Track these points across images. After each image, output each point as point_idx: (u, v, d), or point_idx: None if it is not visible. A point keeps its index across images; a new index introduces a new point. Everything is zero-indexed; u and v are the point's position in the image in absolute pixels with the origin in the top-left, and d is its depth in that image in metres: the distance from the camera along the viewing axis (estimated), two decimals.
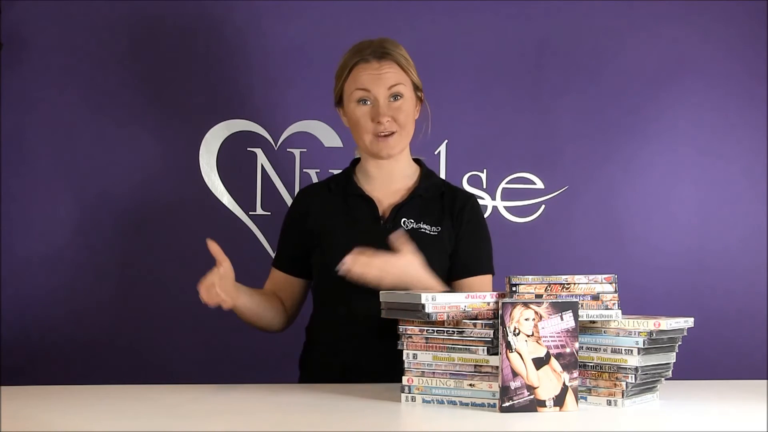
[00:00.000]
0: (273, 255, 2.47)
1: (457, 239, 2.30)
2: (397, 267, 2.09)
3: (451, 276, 2.31)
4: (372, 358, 2.20)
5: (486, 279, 2.32)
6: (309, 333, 2.38)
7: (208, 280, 2.11)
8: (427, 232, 2.28)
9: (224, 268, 2.12)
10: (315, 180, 2.89)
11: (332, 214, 2.31)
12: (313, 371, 2.32)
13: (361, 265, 2.07)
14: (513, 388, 1.73)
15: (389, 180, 2.32)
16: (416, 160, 2.38)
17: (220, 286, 2.10)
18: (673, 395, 1.96)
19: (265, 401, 1.92)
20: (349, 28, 2.86)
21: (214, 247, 2.12)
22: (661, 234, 3.03)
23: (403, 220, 2.28)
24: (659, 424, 1.75)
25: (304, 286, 2.38)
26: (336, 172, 2.52)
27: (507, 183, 3.00)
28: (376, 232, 2.26)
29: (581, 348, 1.84)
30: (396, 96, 2.25)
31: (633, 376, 1.82)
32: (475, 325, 1.80)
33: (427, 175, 2.36)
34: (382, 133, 2.24)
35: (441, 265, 2.28)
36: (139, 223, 2.91)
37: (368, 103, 2.24)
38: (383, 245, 2.23)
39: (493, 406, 1.77)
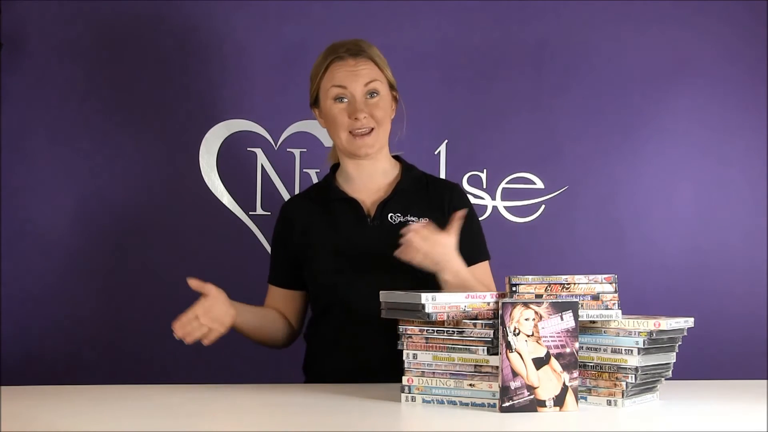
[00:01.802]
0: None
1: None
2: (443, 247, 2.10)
3: (466, 263, 2.32)
4: (372, 360, 2.20)
5: (485, 265, 2.34)
6: (309, 340, 2.37)
7: (188, 315, 2.09)
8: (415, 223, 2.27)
9: (211, 294, 2.11)
10: (315, 180, 2.89)
11: (317, 221, 2.31)
12: (318, 377, 2.32)
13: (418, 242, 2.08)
14: (513, 388, 1.73)
15: (370, 179, 2.32)
16: (395, 157, 2.38)
17: (206, 316, 2.09)
18: (673, 395, 1.96)
19: (266, 401, 1.92)
20: (349, 28, 2.84)
21: (193, 283, 2.11)
22: (661, 234, 3.03)
23: (389, 215, 2.28)
24: (659, 424, 1.75)
25: (304, 297, 2.37)
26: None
27: (507, 183, 3.00)
28: (363, 231, 2.26)
29: (581, 348, 1.84)
30: (372, 93, 2.25)
31: (633, 376, 1.82)
32: (475, 325, 1.80)
33: (408, 168, 2.36)
34: (359, 130, 2.24)
35: None
36: (139, 223, 2.91)
37: (345, 100, 2.25)
38: (372, 244, 2.24)
39: (493, 406, 1.77)
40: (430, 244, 2.08)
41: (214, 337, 2.13)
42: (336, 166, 2.40)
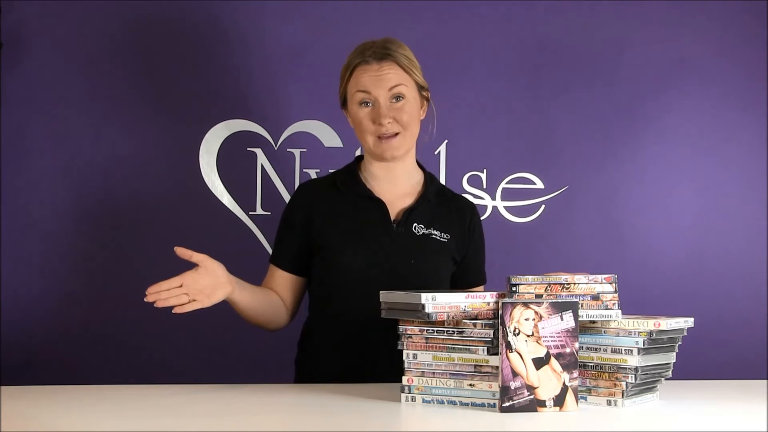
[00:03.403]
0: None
1: (468, 249, 2.34)
2: None
3: (461, 284, 2.35)
4: (372, 360, 2.20)
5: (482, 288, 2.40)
6: (307, 334, 2.36)
7: (170, 282, 2.01)
8: (438, 238, 2.28)
9: (204, 266, 2.05)
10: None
11: (340, 216, 2.27)
12: (311, 372, 2.31)
13: None
14: (513, 388, 1.73)
15: (395, 181, 2.30)
16: (417, 163, 2.38)
17: (192, 287, 2.02)
18: (673, 395, 1.96)
19: (265, 401, 1.92)
20: (349, 28, 2.86)
21: (181, 251, 2.03)
22: (661, 234, 3.03)
23: (414, 224, 2.27)
24: (659, 424, 1.75)
25: (305, 283, 2.35)
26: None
27: (507, 183, 3.00)
28: (387, 235, 2.25)
29: (581, 348, 1.84)
30: (398, 97, 2.23)
31: (633, 376, 1.82)
32: (475, 325, 1.80)
33: (430, 178, 2.36)
34: (385, 135, 2.23)
35: (446, 271, 2.30)
36: (139, 223, 2.91)
37: (370, 104, 2.23)
38: (394, 248, 2.22)
39: (493, 406, 1.77)
40: None
41: (191, 308, 2.02)
42: (360, 158, 2.37)
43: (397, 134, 2.23)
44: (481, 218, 2.91)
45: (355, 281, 2.22)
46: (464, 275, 2.35)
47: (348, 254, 2.22)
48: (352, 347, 2.23)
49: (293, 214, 2.32)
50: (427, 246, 2.25)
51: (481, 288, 2.38)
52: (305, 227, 2.29)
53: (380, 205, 2.27)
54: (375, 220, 2.26)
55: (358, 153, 2.42)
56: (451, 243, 2.30)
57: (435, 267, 2.26)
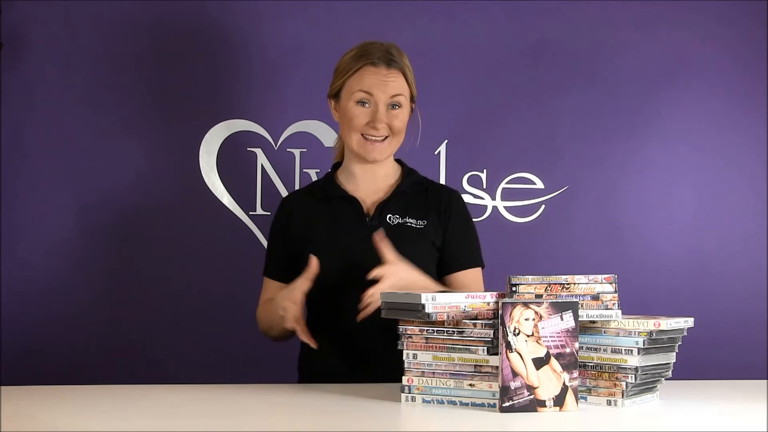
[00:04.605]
0: None
1: (445, 234, 2.33)
2: (395, 277, 2.11)
3: (443, 271, 2.34)
4: (368, 359, 2.20)
5: (477, 272, 2.36)
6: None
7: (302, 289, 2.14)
8: (413, 225, 2.29)
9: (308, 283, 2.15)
10: (315, 180, 2.89)
11: (316, 218, 2.32)
12: (312, 375, 2.32)
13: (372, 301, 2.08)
14: (513, 388, 1.73)
15: (372, 180, 2.34)
16: (397, 160, 2.40)
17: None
18: (673, 395, 1.96)
19: (265, 401, 1.92)
20: (349, 29, 2.86)
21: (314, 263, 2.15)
22: (661, 234, 3.03)
23: (388, 216, 2.29)
24: (659, 424, 1.75)
25: None
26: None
27: (507, 183, 3.00)
28: (361, 230, 2.27)
29: (581, 348, 1.84)
30: (395, 105, 2.27)
31: (633, 376, 1.82)
32: (475, 325, 1.80)
33: (408, 172, 2.38)
34: (373, 137, 2.26)
35: (429, 258, 2.30)
36: (139, 223, 2.91)
37: (367, 105, 2.26)
38: (369, 243, 2.23)
39: (493, 406, 1.77)
40: (395, 279, 2.10)
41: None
42: (337, 165, 2.40)
43: (385, 138, 2.27)
44: (481, 218, 2.94)
45: (338, 280, 2.23)
46: (449, 260, 2.32)
47: (326, 254, 2.24)
48: (349, 346, 2.24)
49: (278, 225, 2.40)
50: (403, 234, 2.27)
51: (479, 271, 2.35)
52: (287, 236, 2.35)
53: (354, 203, 2.31)
54: (349, 217, 2.30)
55: (335, 160, 2.43)
56: (429, 228, 2.30)
57: (413, 253, 2.24)
